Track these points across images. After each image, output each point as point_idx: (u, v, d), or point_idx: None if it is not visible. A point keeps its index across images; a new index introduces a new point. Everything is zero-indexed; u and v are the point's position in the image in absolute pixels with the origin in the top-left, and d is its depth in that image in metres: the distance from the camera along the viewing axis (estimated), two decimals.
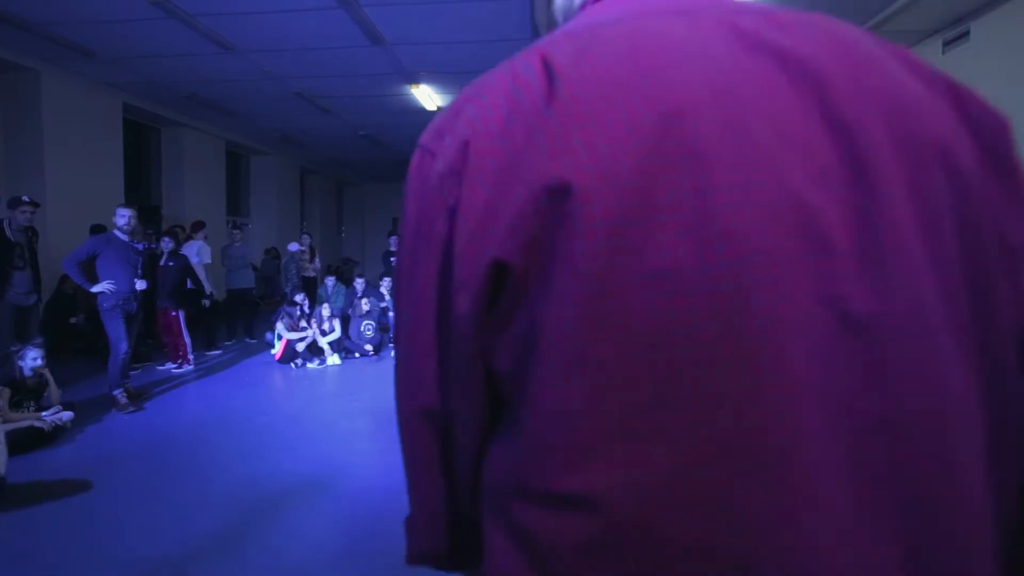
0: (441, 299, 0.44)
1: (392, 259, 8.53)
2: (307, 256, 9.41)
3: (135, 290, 4.90)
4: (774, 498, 0.36)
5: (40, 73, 6.69)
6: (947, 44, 5.85)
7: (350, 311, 7.54)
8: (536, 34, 0.60)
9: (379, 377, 6.09)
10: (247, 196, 12.50)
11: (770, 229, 0.37)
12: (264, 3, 5.14)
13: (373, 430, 4.36)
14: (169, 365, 6.34)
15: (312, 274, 9.42)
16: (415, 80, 7.39)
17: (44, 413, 4.04)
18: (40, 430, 3.90)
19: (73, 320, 6.66)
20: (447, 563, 0.52)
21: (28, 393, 4.15)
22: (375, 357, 7.09)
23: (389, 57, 6.50)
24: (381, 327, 7.36)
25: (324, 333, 7.06)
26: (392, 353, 0.55)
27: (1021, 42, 5.00)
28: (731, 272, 0.37)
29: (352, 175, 16.25)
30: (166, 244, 6.27)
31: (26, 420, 3.89)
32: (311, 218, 14.79)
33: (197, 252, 7.25)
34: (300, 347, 6.78)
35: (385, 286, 7.97)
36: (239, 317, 8.25)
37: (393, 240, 9.42)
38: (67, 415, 4.17)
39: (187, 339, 6.29)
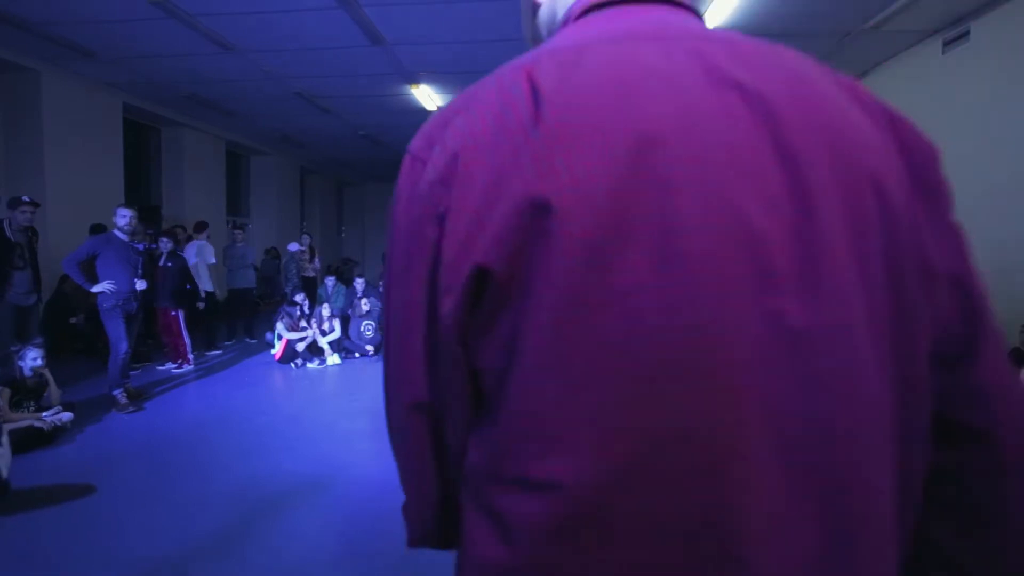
0: (430, 300, 0.48)
1: None
2: (307, 256, 9.41)
3: (135, 290, 4.90)
4: (715, 484, 0.42)
5: (40, 73, 6.69)
6: (947, 44, 5.85)
7: (350, 311, 7.54)
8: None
9: (379, 377, 5.97)
10: (247, 196, 12.50)
11: (722, 251, 0.42)
12: (264, 3, 5.14)
13: (373, 430, 4.36)
14: (169, 365, 6.34)
15: (312, 274, 9.42)
16: (415, 80, 7.39)
17: (44, 413, 4.04)
18: (40, 430, 3.90)
19: (73, 320, 6.66)
20: (442, 544, 0.57)
21: (28, 393, 4.15)
22: (375, 357, 7.09)
23: (389, 57, 6.50)
24: (381, 327, 7.35)
25: (324, 333, 7.06)
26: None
27: (1021, 42, 5.00)
28: (686, 289, 0.42)
29: (352, 175, 16.25)
30: (165, 244, 6.27)
31: (26, 420, 3.89)
32: (311, 218, 14.79)
33: (196, 252, 7.25)
34: (300, 347, 6.78)
35: None
36: (239, 317, 8.26)
37: None
38: (67, 415, 4.17)
39: (187, 339, 6.29)
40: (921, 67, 6.26)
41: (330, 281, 8.45)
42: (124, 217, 4.85)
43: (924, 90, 6.21)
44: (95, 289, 4.69)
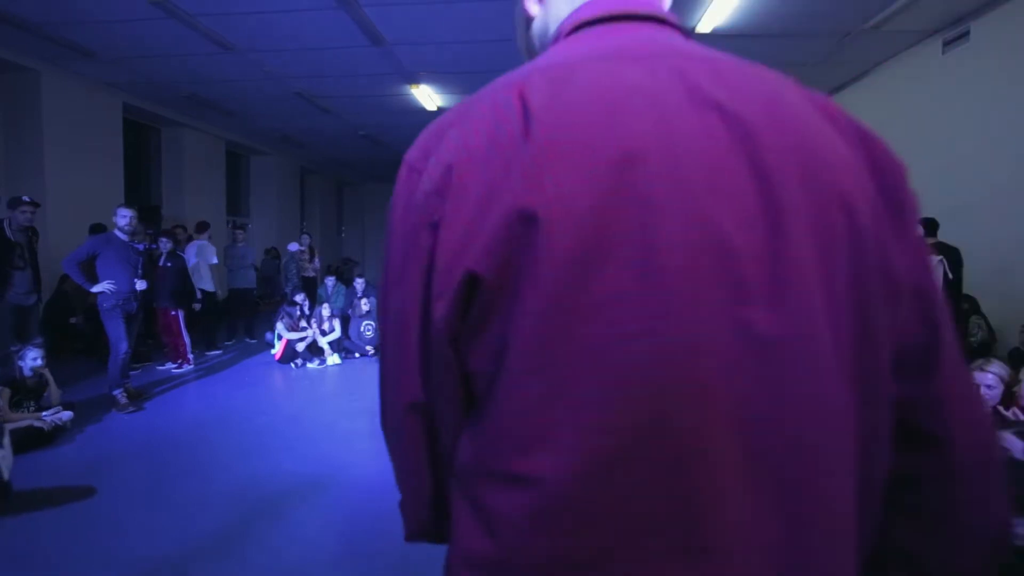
0: (424, 304, 0.50)
1: None
2: (307, 256, 9.41)
3: (135, 290, 4.89)
4: (684, 480, 0.45)
5: (40, 73, 6.69)
6: (947, 44, 5.85)
7: (350, 311, 7.54)
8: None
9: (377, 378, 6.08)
10: (247, 196, 12.50)
11: (697, 265, 0.45)
12: (264, 3, 5.14)
13: (373, 430, 4.35)
14: (169, 365, 6.34)
15: (312, 274, 9.42)
16: (415, 80, 7.40)
17: (44, 413, 4.04)
18: (40, 430, 3.90)
19: (73, 320, 6.66)
20: (436, 538, 0.59)
21: (28, 393, 4.15)
22: (375, 357, 7.07)
23: (389, 57, 6.50)
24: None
25: (324, 333, 7.06)
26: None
27: (1021, 42, 5.00)
28: (663, 299, 0.45)
29: (352, 175, 16.25)
30: (164, 245, 6.27)
31: (26, 420, 3.89)
32: (311, 218, 14.79)
33: (197, 252, 7.25)
34: (300, 347, 6.79)
35: None
36: (239, 317, 8.26)
37: None
38: (67, 415, 4.17)
39: (187, 339, 6.29)
40: (921, 67, 6.26)
41: (330, 281, 8.45)
42: (124, 217, 4.85)
43: (924, 90, 6.21)
44: (95, 289, 4.69)
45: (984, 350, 4.95)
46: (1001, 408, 2.90)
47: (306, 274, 9.26)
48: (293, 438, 4.21)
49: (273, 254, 10.64)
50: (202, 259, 7.26)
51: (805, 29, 5.75)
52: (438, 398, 0.53)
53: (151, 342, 6.90)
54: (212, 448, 4.04)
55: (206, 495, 3.22)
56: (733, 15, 5.41)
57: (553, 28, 0.60)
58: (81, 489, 3.24)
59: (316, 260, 9.69)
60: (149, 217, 7.76)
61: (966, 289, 5.42)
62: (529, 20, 0.64)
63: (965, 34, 5.61)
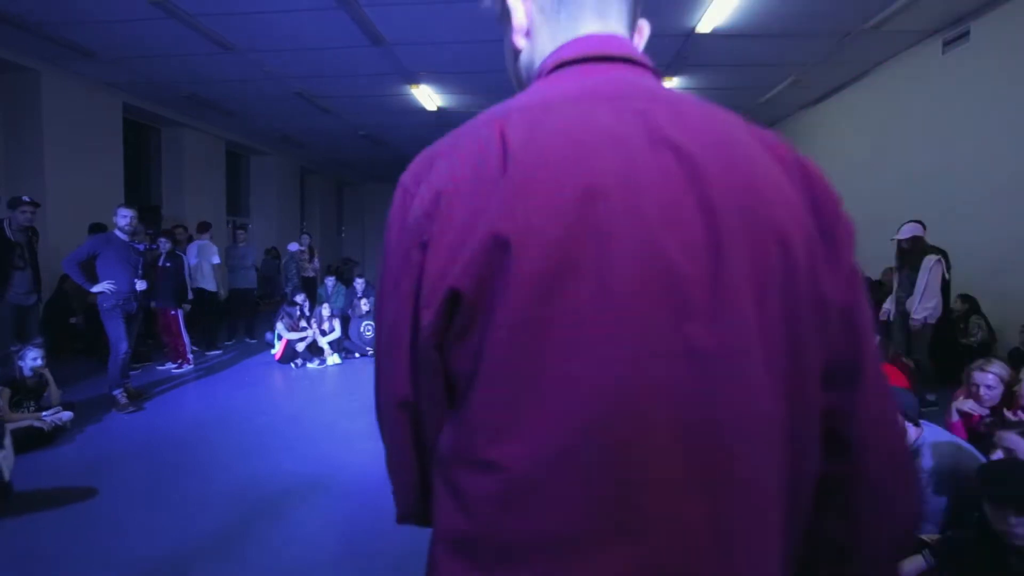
0: (415, 313, 0.57)
1: None
2: (307, 256, 9.42)
3: (135, 290, 4.90)
4: (625, 466, 0.52)
5: (40, 73, 6.69)
6: (947, 44, 5.85)
7: (350, 311, 7.55)
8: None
9: None
10: (247, 196, 12.51)
11: (647, 288, 0.52)
12: (264, 3, 5.15)
13: (373, 430, 4.33)
14: (169, 365, 6.35)
15: (312, 274, 9.42)
16: (415, 80, 7.40)
17: (44, 413, 4.04)
18: (40, 430, 3.90)
19: (73, 320, 6.66)
20: (423, 521, 0.66)
21: (28, 393, 4.15)
22: (374, 357, 7.09)
23: (389, 57, 6.50)
24: None
25: (324, 333, 7.06)
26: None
27: (1021, 42, 5.00)
28: (617, 316, 0.52)
29: (352, 175, 16.26)
30: (164, 245, 6.27)
31: (26, 420, 3.89)
32: (311, 218, 14.80)
33: (197, 252, 7.25)
34: (300, 347, 6.79)
35: None
36: (239, 317, 8.26)
37: None
38: (67, 415, 4.17)
39: (186, 339, 6.29)
40: (921, 67, 6.26)
41: (330, 281, 8.45)
42: (125, 217, 4.85)
43: (924, 90, 6.21)
44: (95, 289, 4.69)
45: (984, 350, 4.95)
46: (1007, 412, 2.90)
47: (306, 274, 9.26)
48: (293, 438, 4.21)
49: (273, 254, 10.64)
50: (204, 259, 7.26)
51: (805, 29, 5.76)
52: (424, 395, 0.60)
53: (151, 342, 6.90)
54: (212, 448, 4.04)
55: (206, 495, 3.22)
56: (733, 15, 5.41)
57: (537, 63, 0.67)
58: (81, 489, 3.24)
59: (316, 260, 9.69)
60: (149, 217, 7.76)
61: (966, 289, 5.42)
62: (517, 52, 0.71)
63: (965, 34, 5.61)
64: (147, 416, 4.76)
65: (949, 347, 5.07)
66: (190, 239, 7.60)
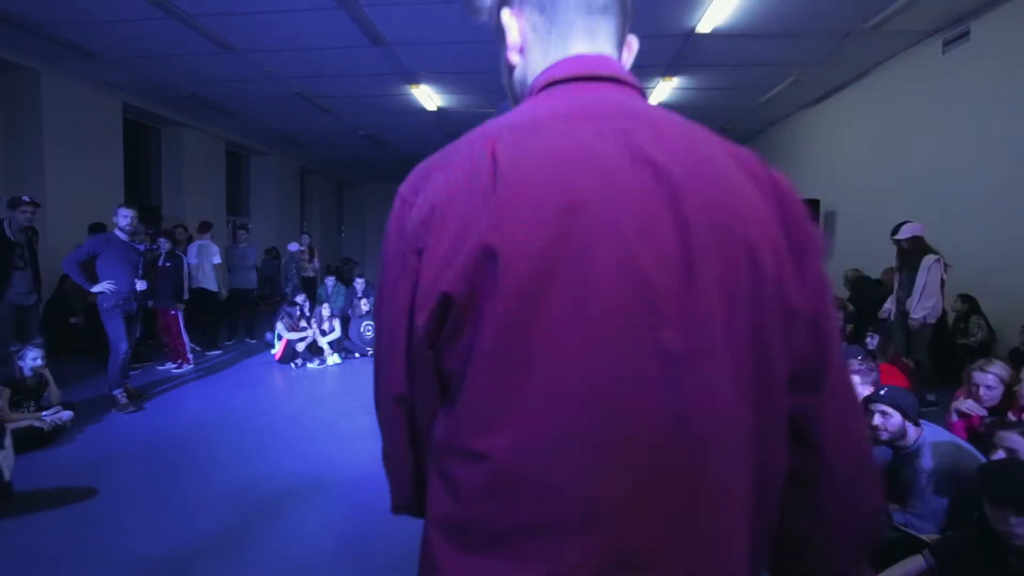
0: (411, 315, 0.61)
1: None
2: (307, 256, 9.41)
3: (135, 290, 4.89)
4: (596, 465, 0.56)
5: (40, 73, 6.69)
6: (947, 44, 5.85)
7: (350, 311, 7.55)
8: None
9: None
10: (247, 196, 12.50)
11: (624, 295, 0.56)
12: (264, 3, 5.15)
13: (373, 430, 4.33)
14: (169, 365, 6.35)
15: (312, 274, 9.42)
16: (415, 80, 7.40)
17: (44, 413, 4.04)
18: (40, 430, 3.90)
19: (73, 320, 6.66)
20: (417, 511, 0.70)
21: (28, 393, 4.15)
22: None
23: (389, 57, 6.50)
24: None
25: (324, 333, 7.06)
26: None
27: (1021, 42, 5.00)
28: (595, 321, 0.56)
29: (352, 175, 16.26)
30: (163, 245, 6.27)
31: (26, 420, 3.89)
32: (311, 218, 14.79)
33: (198, 252, 7.25)
34: (300, 347, 6.79)
35: None
36: (240, 317, 8.26)
37: None
38: (67, 415, 4.17)
39: (186, 339, 6.29)
40: (921, 67, 6.26)
41: (330, 281, 8.45)
42: (125, 217, 4.84)
43: (924, 90, 6.21)
44: (95, 289, 4.68)
45: (984, 350, 4.95)
46: (1010, 414, 2.89)
47: (306, 274, 9.26)
48: (293, 438, 4.21)
49: (273, 254, 10.64)
50: (205, 259, 7.26)
51: (805, 29, 5.76)
52: (419, 391, 0.64)
53: (151, 342, 6.90)
54: (212, 448, 4.04)
55: (206, 495, 3.22)
56: (733, 15, 5.41)
57: (530, 79, 0.71)
58: (81, 489, 3.24)
59: (316, 260, 9.69)
60: (149, 217, 7.75)
61: (966, 289, 5.42)
62: (511, 68, 0.75)
63: (965, 34, 5.61)
64: (147, 416, 4.76)
65: (949, 347, 5.07)
66: (190, 239, 7.59)
